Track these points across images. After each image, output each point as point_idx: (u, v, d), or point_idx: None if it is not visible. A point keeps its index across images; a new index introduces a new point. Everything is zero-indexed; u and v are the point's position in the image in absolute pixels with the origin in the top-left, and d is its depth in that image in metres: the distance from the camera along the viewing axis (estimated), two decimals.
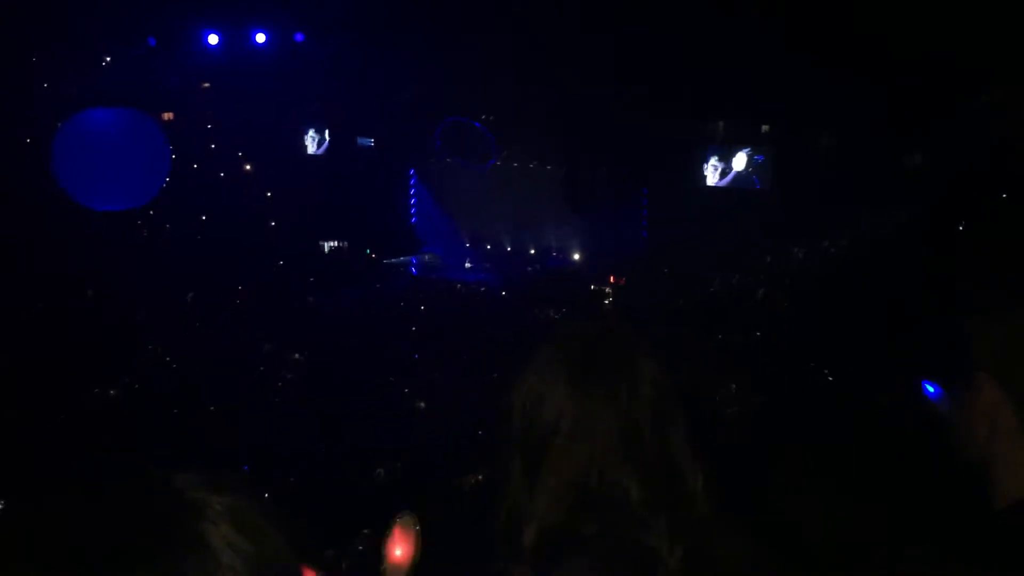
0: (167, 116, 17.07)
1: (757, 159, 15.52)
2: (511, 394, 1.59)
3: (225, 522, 0.77)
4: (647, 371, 1.57)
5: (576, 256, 18.95)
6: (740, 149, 15.71)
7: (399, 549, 1.83)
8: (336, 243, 19.73)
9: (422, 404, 9.02)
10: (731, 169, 15.83)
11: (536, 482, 1.52)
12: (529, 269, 18.78)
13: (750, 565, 1.55)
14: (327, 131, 19.80)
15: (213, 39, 15.72)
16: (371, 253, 19.52)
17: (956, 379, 1.68)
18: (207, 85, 18.12)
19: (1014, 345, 1.59)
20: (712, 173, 16.01)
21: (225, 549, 0.76)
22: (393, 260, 19.44)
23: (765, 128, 15.51)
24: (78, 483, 0.78)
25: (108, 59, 16.25)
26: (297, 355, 10.65)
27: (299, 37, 15.79)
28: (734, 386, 8.76)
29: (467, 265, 19.76)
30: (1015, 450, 1.57)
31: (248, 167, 19.85)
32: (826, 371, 9.52)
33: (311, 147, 20.00)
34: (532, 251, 19.60)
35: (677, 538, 1.45)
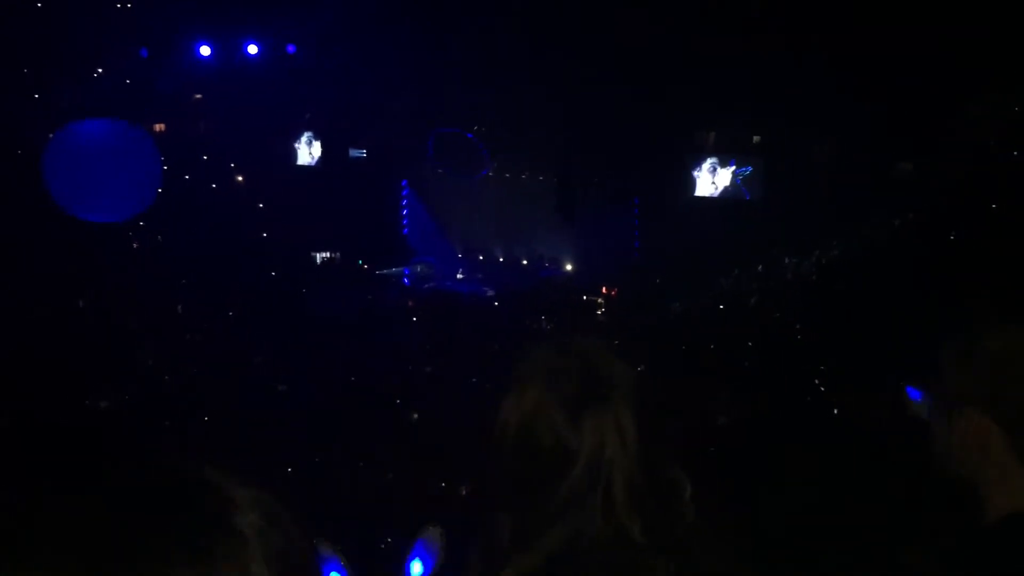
0: (159, 127, 17.05)
1: (747, 170, 15.57)
2: (497, 414, 1.59)
3: (254, 513, 0.80)
4: (632, 381, 1.57)
5: (568, 266, 18.96)
6: (730, 159, 15.76)
7: (421, 562, 1.84)
8: (328, 254, 19.71)
9: (415, 415, 9.01)
10: (719, 183, 15.88)
11: (523, 501, 1.51)
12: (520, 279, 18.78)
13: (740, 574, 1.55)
14: (319, 142, 19.82)
15: (205, 50, 15.73)
16: (363, 264, 19.50)
17: (943, 411, 1.68)
18: (199, 96, 18.12)
19: (999, 369, 1.58)
20: (703, 183, 16.05)
21: (255, 537, 0.79)
22: (385, 271, 19.43)
23: (756, 139, 15.57)
24: (110, 476, 0.81)
25: (100, 70, 16.24)
26: (289, 366, 10.62)
27: (291, 49, 15.82)
28: (726, 395, 8.77)
29: (459, 275, 19.75)
30: (1005, 471, 1.57)
31: (240, 178, 19.83)
32: (817, 381, 9.54)
33: (303, 158, 20.01)
34: (524, 261, 19.60)
35: (666, 552, 1.45)
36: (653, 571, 1.44)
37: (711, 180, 15.85)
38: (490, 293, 17.91)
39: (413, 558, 1.84)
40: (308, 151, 19.90)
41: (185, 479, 0.82)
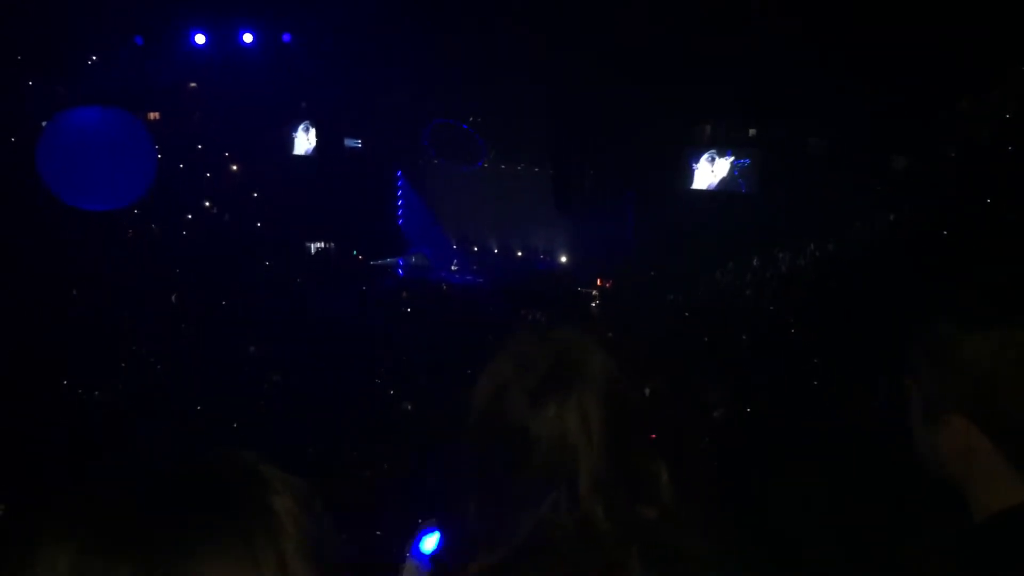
0: (153, 115, 17.00)
1: (745, 161, 15.57)
2: (468, 400, 1.58)
3: (288, 496, 0.84)
4: (607, 371, 1.56)
5: (563, 258, 18.96)
6: (726, 152, 15.76)
7: (421, 551, 1.83)
8: (323, 244, 19.68)
9: (409, 406, 9.02)
10: (717, 173, 15.88)
11: (489, 489, 1.51)
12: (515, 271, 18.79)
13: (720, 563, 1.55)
14: (314, 132, 19.77)
15: (200, 39, 15.68)
16: (358, 254, 19.47)
17: (926, 415, 1.66)
18: (194, 85, 18.06)
19: (982, 373, 1.57)
20: (702, 174, 16.06)
21: (290, 520, 0.82)
22: (380, 261, 19.41)
23: (752, 132, 15.57)
24: (158, 461, 0.84)
25: (94, 58, 16.18)
26: (283, 356, 10.62)
27: (286, 37, 15.76)
28: (720, 388, 8.79)
29: (453, 267, 19.74)
30: (992, 473, 1.57)
31: (235, 167, 19.79)
32: (810, 374, 9.56)
33: (298, 148, 19.96)
34: (519, 253, 19.60)
35: (636, 544, 1.44)
36: (622, 564, 1.43)
37: (710, 169, 15.84)
38: (485, 285, 17.90)
39: (424, 534, 1.83)
40: (306, 138, 19.84)
41: (228, 463, 0.85)
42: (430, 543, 1.77)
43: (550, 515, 1.44)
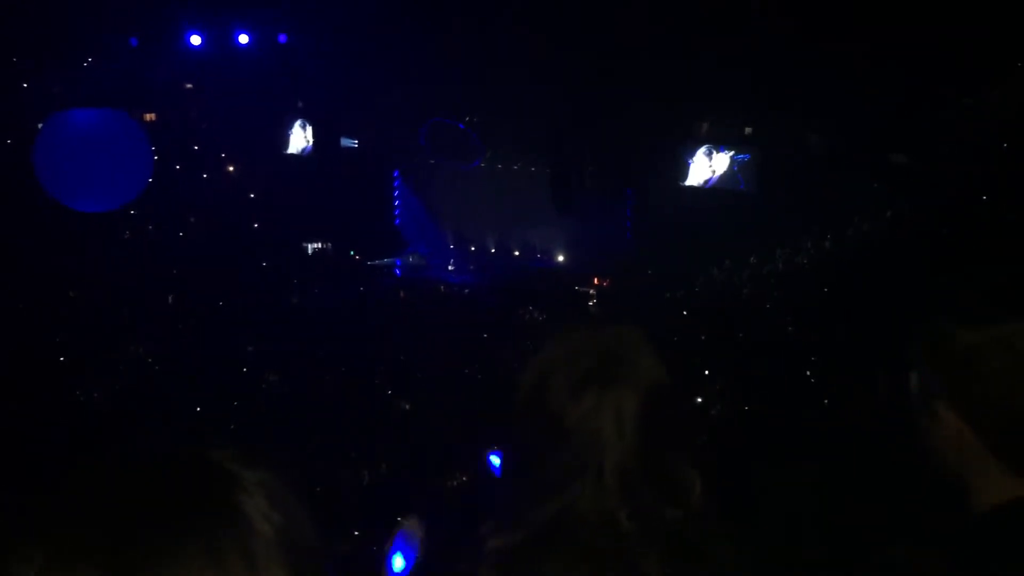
0: (149, 117, 16.98)
1: (742, 157, 15.55)
2: (519, 383, 1.59)
3: (259, 494, 0.81)
4: (652, 372, 1.56)
5: (560, 257, 18.95)
6: (724, 149, 15.74)
7: (401, 552, 1.83)
8: (320, 244, 19.66)
9: (407, 405, 9.02)
10: (715, 169, 15.86)
11: (520, 472, 1.52)
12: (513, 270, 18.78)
13: (739, 569, 1.55)
14: (311, 132, 19.75)
15: (196, 40, 15.65)
16: (355, 254, 19.46)
17: (917, 409, 1.68)
18: (189, 86, 18.03)
19: (971, 368, 1.58)
20: (696, 173, 16.04)
21: (259, 519, 0.79)
22: (377, 261, 19.40)
23: (748, 130, 15.55)
24: (117, 460, 0.81)
25: (89, 59, 16.15)
26: (281, 357, 10.61)
27: (282, 38, 15.74)
28: (719, 386, 8.80)
29: (451, 266, 19.73)
30: (983, 467, 1.59)
31: (231, 168, 19.76)
32: (808, 372, 9.57)
33: (294, 145, 19.94)
34: (516, 252, 19.59)
35: (653, 543, 1.44)
36: (636, 560, 1.43)
37: (708, 164, 15.80)
38: (482, 284, 17.90)
39: (395, 552, 1.84)
40: (302, 135, 19.81)
41: (193, 461, 0.83)
42: (399, 563, 1.78)
43: (573, 504, 1.44)
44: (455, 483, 6.23)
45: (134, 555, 0.72)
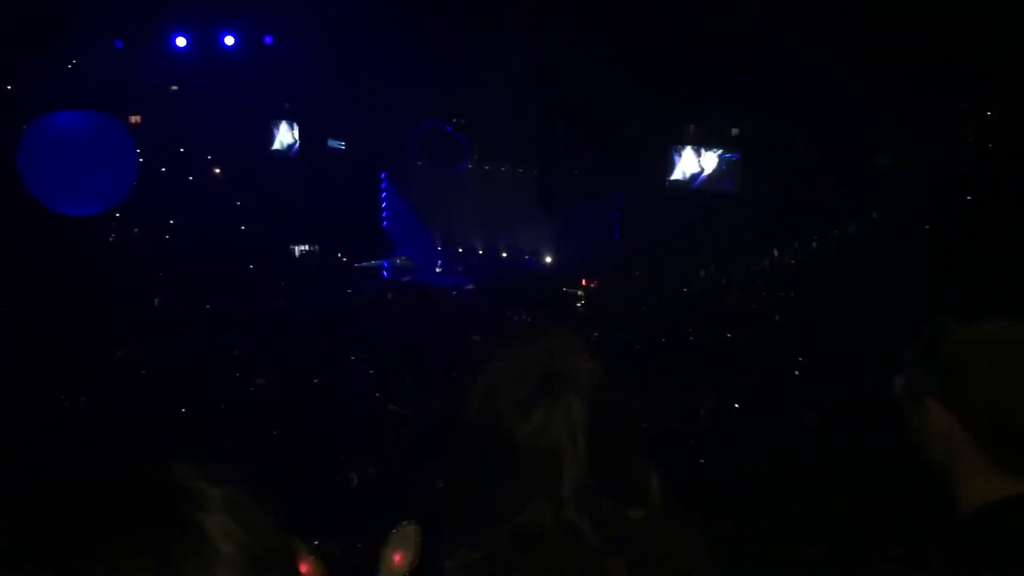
0: (134, 119, 16.90)
1: (730, 157, 15.56)
2: (466, 405, 1.58)
3: (222, 512, 0.79)
4: (594, 377, 1.55)
5: (548, 258, 18.96)
6: (712, 150, 15.76)
7: (396, 557, 1.81)
8: (306, 246, 19.62)
9: (394, 407, 8.99)
10: (703, 171, 15.88)
11: (475, 494, 1.51)
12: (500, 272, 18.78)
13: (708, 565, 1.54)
14: (297, 134, 19.71)
15: (181, 41, 15.60)
16: (342, 256, 19.42)
17: (907, 403, 1.68)
18: (175, 88, 17.96)
19: (961, 363, 1.59)
20: (684, 175, 16.06)
21: (222, 538, 0.77)
22: (364, 263, 19.37)
23: (735, 131, 15.58)
24: (75, 476, 0.79)
25: (74, 61, 16.06)
26: (268, 360, 10.57)
27: (268, 40, 15.70)
28: (707, 387, 8.80)
29: (439, 268, 19.72)
30: (972, 465, 1.58)
31: (217, 170, 19.70)
32: (797, 373, 9.59)
33: (279, 143, 19.89)
34: (504, 253, 19.58)
35: (619, 553, 1.43)
36: (602, 568, 1.42)
37: (696, 161, 15.80)
38: (470, 286, 17.89)
39: (391, 549, 1.82)
40: (285, 143, 19.78)
41: (151, 478, 0.80)
42: (397, 557, 1.76)
43: (531, 521, 1.43)
44: (437, 487, 6.20)
45: (87, 571, 0.70)
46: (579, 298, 16.26)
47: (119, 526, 0.74)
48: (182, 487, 0.79)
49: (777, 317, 11.92)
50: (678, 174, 16.03)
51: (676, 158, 16.02)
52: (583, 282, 16.79)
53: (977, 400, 1.56)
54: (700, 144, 15.80)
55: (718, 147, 15.63)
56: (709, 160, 15.70)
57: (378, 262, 19.60)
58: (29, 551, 0.70)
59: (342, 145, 19.66)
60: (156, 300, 13.92)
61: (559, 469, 1.44)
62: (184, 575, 0.73)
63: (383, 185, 20.42)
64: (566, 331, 1.64)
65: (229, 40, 15.65)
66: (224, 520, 0.78)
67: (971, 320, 1.61)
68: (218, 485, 0.81)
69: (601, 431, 1.48)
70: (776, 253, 14.27)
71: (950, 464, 1.62)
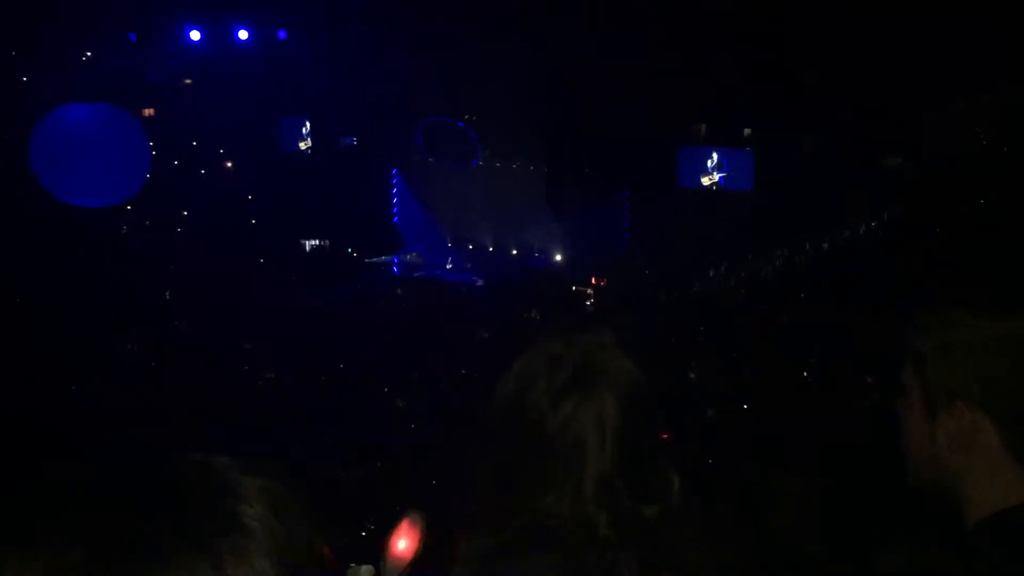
0: (147, 112, 16.96)
1: (739, 159, 15.55)
2: (492, 396, 1.59)
3: (260, 503, 0.79)
4: (630, 376, 1.57)
5: (558, 256, 18.95)
6: (721, 151, 15.75)
7: (402, 544, 1.83)
8: (318, 241, 19.66)
9: (402, 403, 9.00)
10: (712, 171, 15.87)
11: (499, 480, 1.53)
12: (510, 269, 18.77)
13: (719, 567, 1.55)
14: (309, 129, 19.74)
15: (195, 35, 15.63)
16: (353, 252, 19.45)
17: (925, 407, 1.63)
18: (188, 82, 18.02)
19: (990, 361, 1.52)
20: (694, 175, 16.04)
21: (259, 529, 0.77)
22: (375, 259, 19.39)
23: (747, 131, 15.56)
24: (116, 464, 0.80)
25: (88, 55, 16.13)
26: (277, 354, 10.60)
27: (282, 35, 15.73)
28: (715, 386, 8.79)
29: (448, 265, 19.73)
30: (996, 467, 1.53)
31: (229, 165, 19.75)
32: (805, 373, 9.56)
33: (293, 145, 19.92)
34: (514, 251, 19.58)
35: (631, 549, 1.44)
36: (614, 563, 1.43)
37: (706, 167, 15.80)
38: (479, 282, 17.89)
39: (397, 536, 1.84)
40: (298, 139, 19.82)
41: (188, 469, 0.81)
42: (402, 544, 1.78)
43: (549, 510, 1.45)
44: (442, 483, 6.21)
45: (131, 564, 0.71)
46: (589, 296, 16.26)
47: (166, 519, 0.74)
48: (220, 478, 0.80)
49: (785, 316, 11.88)
50: (687, 174, 16.02)
51: (686, 161, 16.01)
52: (593, 280, 16.78)
53: (1008, 397, 1.51)
54: (710, 145, 15.79)
55: (728, 147, 15.61)
56: (718, 163, 15.70)
57: (388, 258, 19.63)
58: (73, 539, 0.71)
59: (354, 141, 19.69)
60: (167, 293, 13.97)
61: (584, 462, 1.46)
62: (227, 566, 0.74)
63: (394, 181, 20.44)
64: (605, 328, 1.65)
65: (243, 34, 15.68)
66: (262, 511, 0.78)
67: (999, 316, 1.58)
68: (255, 476, 0.82)
69: (630, 429, 1.50)
70: (785, 252, 14.25)
71: (966, 469, 1.55)
